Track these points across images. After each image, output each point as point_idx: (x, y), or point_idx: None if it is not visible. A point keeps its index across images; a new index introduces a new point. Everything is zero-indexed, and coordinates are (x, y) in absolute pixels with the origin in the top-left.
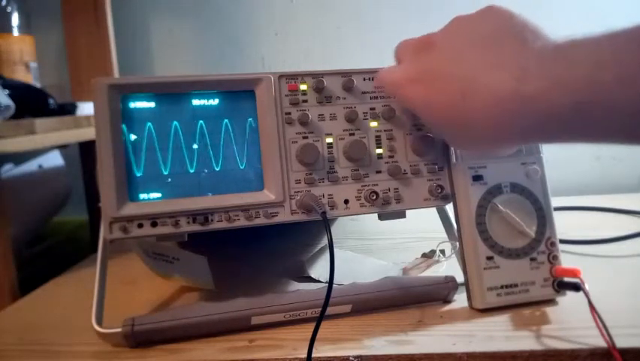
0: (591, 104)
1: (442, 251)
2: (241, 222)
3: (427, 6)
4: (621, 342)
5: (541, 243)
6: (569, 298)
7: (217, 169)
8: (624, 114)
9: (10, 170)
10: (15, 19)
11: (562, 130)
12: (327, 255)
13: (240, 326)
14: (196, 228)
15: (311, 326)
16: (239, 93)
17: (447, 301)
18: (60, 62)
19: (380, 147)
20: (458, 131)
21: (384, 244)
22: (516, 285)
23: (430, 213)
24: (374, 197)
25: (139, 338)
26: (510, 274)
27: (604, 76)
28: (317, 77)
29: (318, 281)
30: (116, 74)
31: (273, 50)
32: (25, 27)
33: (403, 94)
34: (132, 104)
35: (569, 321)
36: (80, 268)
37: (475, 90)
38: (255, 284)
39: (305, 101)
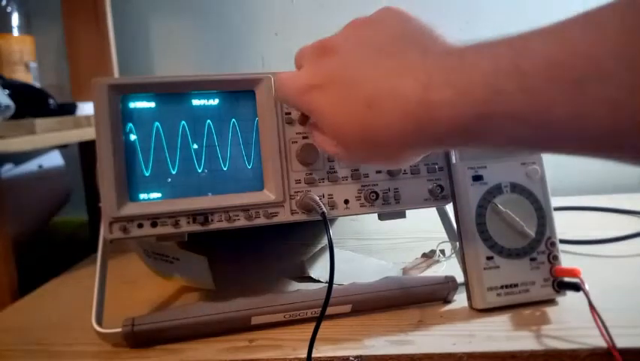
0: (495, 115)
1: (442, 251)
2: (241, 222)
3: (426, 6)
4: (621, 342)
5: (541, 243)
6: (569, 298)
7: (217, 169)
8: (528, 125)
9: (10, 170)
10: (15, 19)
11: (469, 138)
12: (327, 255)
13: (240, 326)
14: (196, 228)
15: (311, 326)
16: (239, 93)
17: (447, 301)
18: (60, 62)
19: None
20: (362, 140)
21: (384, 244)
22: (516, 285)
23: (430, 213)
24: (374, 197)
25: (139, 338)
26: (510, 274)
27: (505, 86)
28: None
29: (318, 281)
30: (116, 74)
31: (273, 50)
32: (25, 27)
33: (305, 100)
34: (132, 104)
35: (568, 321)
36: (80, 268)
37: (381, 98)
38: (255, 284)
39: None
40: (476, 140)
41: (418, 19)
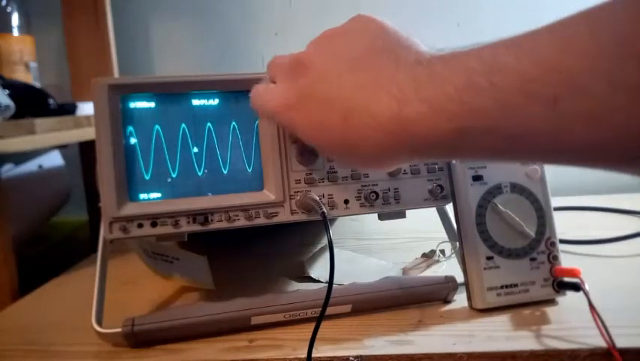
0: (472, 130)
1: (442, 251)
2: (241, 222)
3: (426, 7)
4: (621, 342)
5: (541, 243)
6: (569, 298)
7: (217, 169)
8: (506, 139)
9: (10, 170)
10: (15, 19)
11: (447, 151)
12: (327, 255)
13: (240, 326)
14: (196, 228)
15: (311, 326)
16: (239, 93)
17: (447, 301)
18: (60, 62)
19: None
20: (344, 153)
21: (384, 244)
22: (516, 285)
23: (430, 213)
24: (374, 197)
25: (139, 338)
26: (510, 274)
27: (481, 102)
28: None
29: (318, 281)
30: (116, 74)
31: (273, 50)
32: (25, 27)
33: (283, 120)
34: (132, 104)
35: (568, 321)
36: (80, 268)
37: (356, 113)
38: (255, 284)
39: None
40: (454, 153)
41: (390, 27)
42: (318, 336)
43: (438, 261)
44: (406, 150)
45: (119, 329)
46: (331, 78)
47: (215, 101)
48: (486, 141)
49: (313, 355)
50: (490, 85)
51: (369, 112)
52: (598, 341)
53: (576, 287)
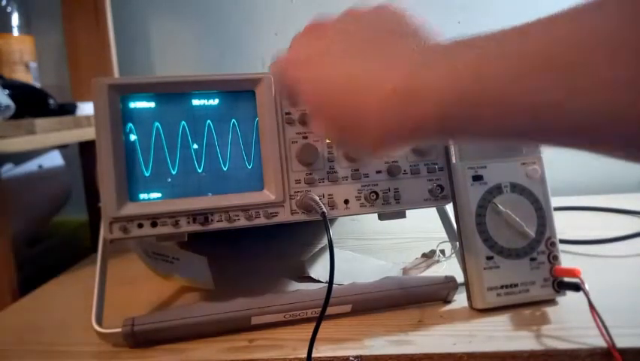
0: (481, 100)
1: (442, 251)
2: (241, 222)
3: (426, 6)
4: (621, 342)
5: (541, 243)
6: (569, 298)
7: (217, 169)
8: (516, 111)
9: (10, 170)
10: (15, 19)
11: (454, 127)
12: (327, 255)
13: (240, 326)
14: (196, 228)
15: (311, 326)
16: (239, 93)
17: (447, 301)
18: (60, 62)
19: None
20: (342, 127)
21: (384, 244)
22: (516, 285)
23: (430, 213)
24: (374, 197)
25: (139, 338)
26: (510, 274)
27: (492, 71)
28: None
29: (318, 281)
30: (116, 74)
31: (273, 51)
32: (25, 27)
33: (288, 77)
34: (132, 104)
35: (569, 321)
36: (80, 268)
37: (365, 82)
38: (255, 284)
39: None
40: (461, 128)
41: (413, 17)
42: (318, 336)
43: (438, 261)
44: (410, 125)
45: (119, 329)
46: (345, 47)
47: (215, 101)
48: (493, 114)
49: (313, 355)
50: (502, 55)
51: (379, 81)
52: (598, 341)
53: (576, 287)
